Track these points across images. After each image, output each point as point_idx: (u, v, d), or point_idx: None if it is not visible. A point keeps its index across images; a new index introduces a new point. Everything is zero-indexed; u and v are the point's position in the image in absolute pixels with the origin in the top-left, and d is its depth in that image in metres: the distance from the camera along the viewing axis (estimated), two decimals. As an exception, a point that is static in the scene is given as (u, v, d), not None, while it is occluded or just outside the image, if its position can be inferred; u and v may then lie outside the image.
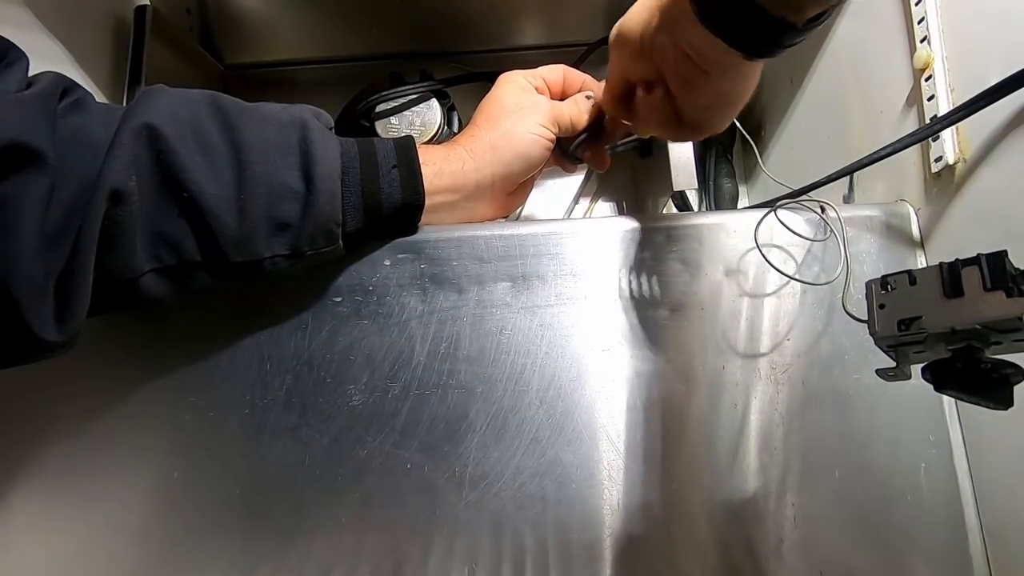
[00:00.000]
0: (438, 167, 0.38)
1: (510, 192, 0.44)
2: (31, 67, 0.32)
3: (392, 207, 0.37)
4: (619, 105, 0.40)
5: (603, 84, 0.43)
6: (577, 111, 0.44)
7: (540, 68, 0.45)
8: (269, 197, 0.33)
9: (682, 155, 0.52)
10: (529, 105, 0.42)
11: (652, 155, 0.65)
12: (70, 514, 0.37)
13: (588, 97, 0.45)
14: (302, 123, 0.35)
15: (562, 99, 0.45)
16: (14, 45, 0.31)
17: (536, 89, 0.44)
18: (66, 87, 0.32)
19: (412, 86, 0.61)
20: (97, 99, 0.33)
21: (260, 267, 0.34)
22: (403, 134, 0.60)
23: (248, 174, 0.32)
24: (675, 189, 0.51)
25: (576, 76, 0.46)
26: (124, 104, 0.55)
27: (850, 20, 0.53)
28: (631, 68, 0.37)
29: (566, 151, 0.46)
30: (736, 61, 0.30)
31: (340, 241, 0.36)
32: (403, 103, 0.60)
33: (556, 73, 0.45)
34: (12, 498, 0.37)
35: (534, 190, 0.48)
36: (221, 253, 0.33)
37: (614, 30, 0.36)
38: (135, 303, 0.33)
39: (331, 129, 0.37)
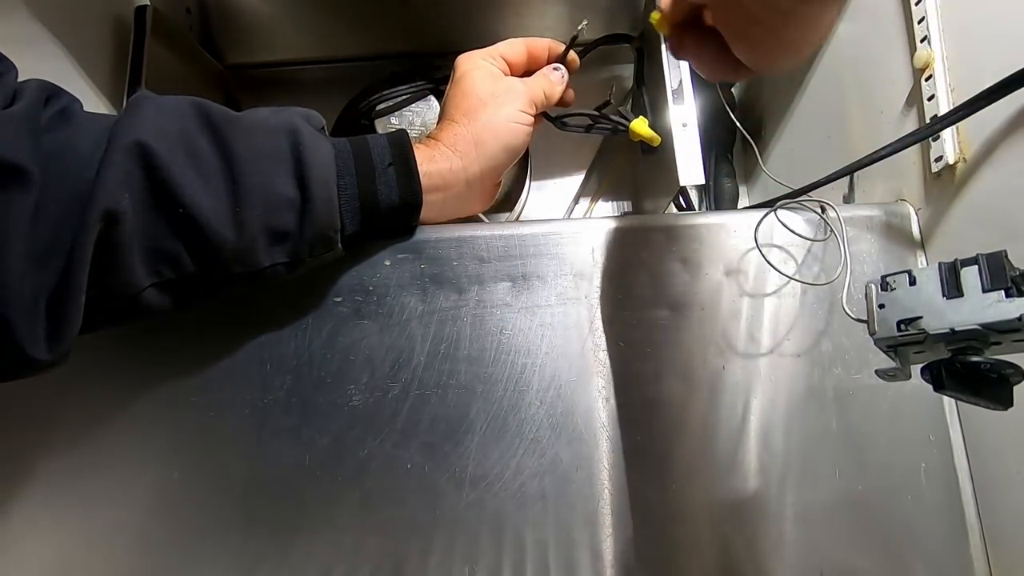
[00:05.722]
0: (424, 169, 0.38)
1: (495, 182, 0.43)
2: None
3: (390, 207, 0.37)
4: (676, 34, 0.34)
5: (563, 48, 0.43)
6: (550, 85, 0.43)
7: (498, 45, 0.44)
8: (265, 208, 0.33)
9: (689, 149, 0.52)
10: (504, 92, 0.41)
11: (654, 153, 0.65)
12: (70, 515, 0.37)
13: (556, 69, 0.44)
14: (292, 129, 0.34)
15: (528, 72, 0.45)
16: (3, 56, 0.31)
17: (501, 72, 0.43)
18: (50, 94, 0.31)
19: (412, 85, 0.61)
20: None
21: (261, 276, 0.34)
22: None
23: (242, 186, 0.32)
24: (681, 183, 0.51)
25: (540, 47, 0.45)
26: (124, 104, 0.55)
27: (850, 20, 0.53)
28: None
29: (551, 120, 0.46)
30: (803, 4, 0.24)
31: (339, 245, 0.36)
32: (403, 102, 0.60)
33: (518, 48, 0.44)
34: (13, 499, 0.37)
35: (534, 190, 0.48)
36: (221, 266, 0.32)
37: None
38: (138, 317, 0.33)
39: (322, 130, 0.37)
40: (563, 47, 0.45)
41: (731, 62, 0.30)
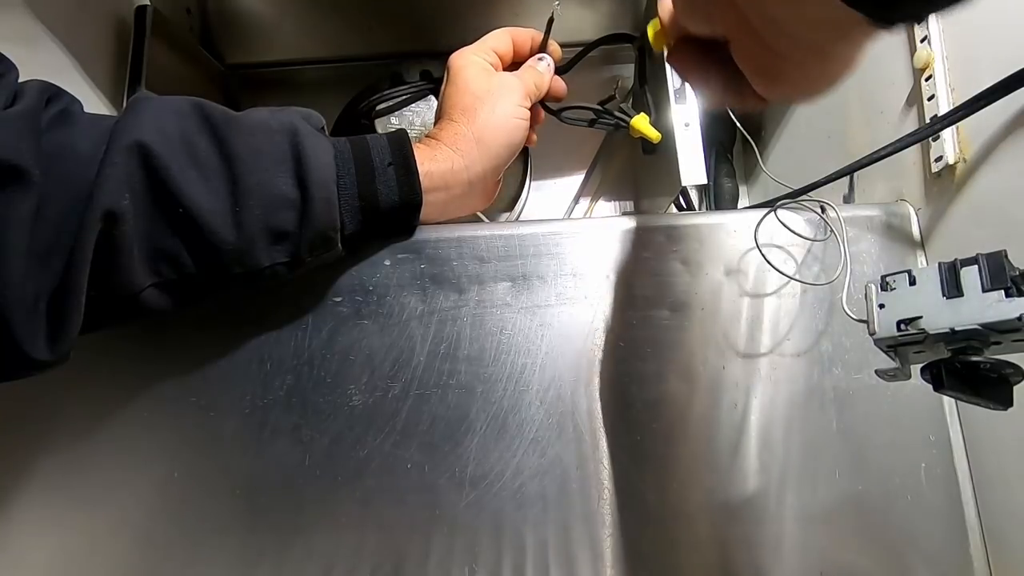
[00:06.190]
0: (425, 168, 0.38)
1: (496, 180, 0.44)
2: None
3: (390, 207, 0.37)
4: (678, 51, 0.31)
5: (542, 38, 0.42)
6: (539, 76, 0.44)
7: (486, 39, 0.44)
8: (265, 208, 0.33)
9: (690, 149, 0.52)
10: (499, 87, 0.41)
11: (656, 152, 0.65)
12: (71, 514, 0.37)
13: (541, 59, 0.44)
14: (292, 129, 0.34)
15: (514, 65, 0.45)
16: (3, 56, 0.31)
17: (493, 66, 0.43)
18: (51, 95, 0.31)
19: (412, 85, 0.61)
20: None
21: (261, 276, 0.34)
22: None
23: (241, 186, 0.32)
24: (683, 183, 0.51)
25: (523, 37, 0.45)
26: (123, 104, 0.55)
27: (850, 20, 0.53)
28: (685, 20, 0.28)
29: (554, 114, 0.46)
30: (841, 36, 0.21)
31: (339, 244, 0.36)
32: (403, 102, 0.60)
33: (504, 40, 0.44)
34: (13, 498, 0.37)
35: (534, 190, 0.48)
36: (221, 266, 0.32)
37: None
38: (138, 317, 0.33)
39: (322, 129, 0.37)
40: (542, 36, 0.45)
41: (741, 90, 0.28)
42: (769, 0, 0.21)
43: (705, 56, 0.29)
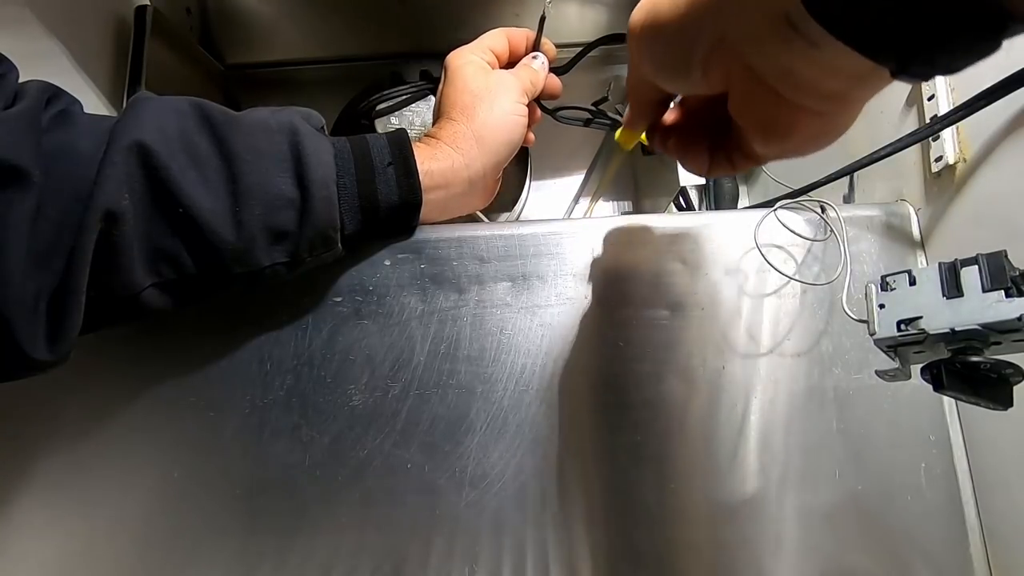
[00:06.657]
0: (426, 167, 0.38)
1: (496, 178, 0.44)
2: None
3: (390, 207, 0.37)
4: (652, 130, 0.32)
5: (533, 34, 0.43)
6: (534, 74, 0.44)
7: (482, 38, 0.44)
8: (265, 207, 0.33)
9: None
10: (496, 85, 0.41)
11: (655, 152, 0.65)
12: (71, 515, 0.37)
13: (535, 58, 0.45)
14: (292, 129, 0.34)
15: (510, 63, 0.45)
16: (4, 57, 0.31)
17: (490, 65, 0.43)
18: (51, 96, 0.31)
19: (412, 85, 0.61)
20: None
21: (261, 276, 0.34)
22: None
23: (242, 186, 0.32)
24: (682, 183, 0.51)
25: (519, 36, 0.45)
26: (123, 104, 0.55)
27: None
28: (666, 78, 0.26)
29: (549, 113, 0.46)
30: (864, 82, 0.21)
31: (339, 244, 0.36)
32: (403, 102, 0.60)
33: (500, 39, 0.44)
34: (13, 499, 0.37)
35: (534, 190, 0.47)
36: (221, 266, 0.32)
37: (640, 16, 0.24)
38: (138, 317, 0.33)
39: (322, 129, 0.37)
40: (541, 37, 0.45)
41: (731, 156, 0.28)
42: (783, 51, 0.20)
43: (684, 134, 0.31)
